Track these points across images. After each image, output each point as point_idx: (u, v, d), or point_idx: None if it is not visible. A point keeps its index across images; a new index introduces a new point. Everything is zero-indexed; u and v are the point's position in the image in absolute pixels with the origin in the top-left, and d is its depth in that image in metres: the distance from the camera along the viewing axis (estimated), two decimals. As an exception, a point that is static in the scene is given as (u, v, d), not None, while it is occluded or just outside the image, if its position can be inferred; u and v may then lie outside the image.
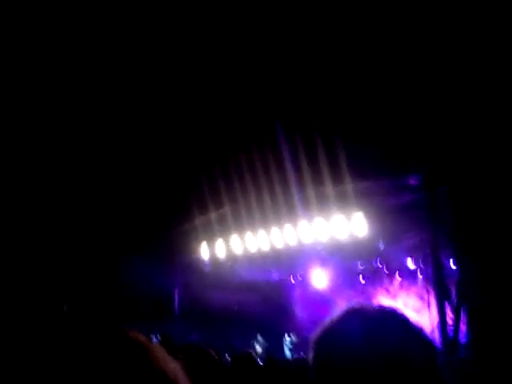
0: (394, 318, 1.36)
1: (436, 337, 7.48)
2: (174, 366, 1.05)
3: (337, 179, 9.14)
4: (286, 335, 10.68)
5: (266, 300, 10.79)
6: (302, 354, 9.08)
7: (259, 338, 10.65)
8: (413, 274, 9.76)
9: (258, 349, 10.41)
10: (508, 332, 5.65)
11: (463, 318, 7.35)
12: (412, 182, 8.85)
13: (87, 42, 7.80)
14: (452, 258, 8.41)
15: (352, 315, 1.36)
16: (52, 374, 0.94)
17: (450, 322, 7.57)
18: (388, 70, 7.78)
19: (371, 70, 7.86)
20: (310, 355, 1.32)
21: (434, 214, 8.24)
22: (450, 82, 7.30)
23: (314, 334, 1.34)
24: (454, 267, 8.35)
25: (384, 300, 9.43)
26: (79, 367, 0.95)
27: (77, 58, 8.00)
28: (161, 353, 1.05)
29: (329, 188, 9.45)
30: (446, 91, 7.43)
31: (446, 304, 7.63)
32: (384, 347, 1.26)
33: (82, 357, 0.97)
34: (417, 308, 9.12)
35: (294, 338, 10.55)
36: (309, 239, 10.05)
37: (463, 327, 7.38)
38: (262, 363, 6.89)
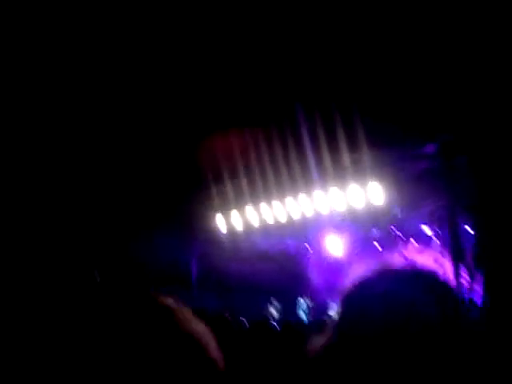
0: (424, 276, 1.35)
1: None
2: (200, 328, 1.07)
3: (353, 149, 9.12)
4: (301, 300, 10.78)
5: (282, 268, 10.88)
6: (317, 317, 9.17)
7: (275, 303, 10.77)
8: (429, 239, 9.78)
9: (275, 314, 10.53)
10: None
11: (479, 280, 7.40)
12: (428, 150, 8.82)
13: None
14: (469, 223, 8.43)
15: (380, 274, 1.34)
16: (84, 336, 0.97)
17: (464, 284, 7.61)
18: (404, 38, 7.72)
19: (387, 39, 7.80)
20: (336, 314, 1.30)
21: (451, 182, 8.22)
22: (469, 48, 7.22)
23: (343, 293, 1.33)
24: (471, 232, 8.37)
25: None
26: (109, 330, 0.98)
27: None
28: (187, 315, 1.08)
29: (345, 157, 9.43)
30: (464, 58, 7.36)
31: (462, 268, 7.66)
32: (412, 305, 1.25)
33: (111, 319, 1.00)
34: (433, 272, 9.12)
35: (309, 302, 10.65)
36: (325, 208, 10.09)
37: (478, 289, 7.43)
38: (278, 327, 6.97)
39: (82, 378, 0.94)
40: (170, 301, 1.07)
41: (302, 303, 10.72)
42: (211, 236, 11.69)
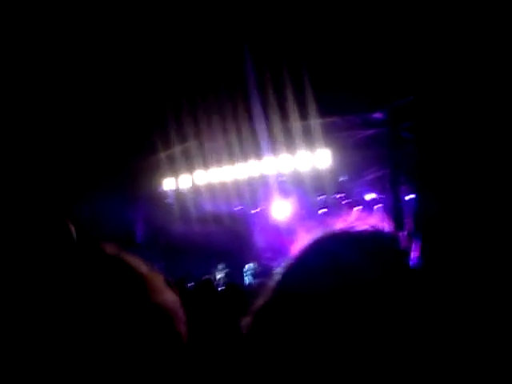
0: (367, 238, 1.34)
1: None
2: (170, 298, 1.07)
3: (302, 115, 9.18)
4: (247, 264, 10.90)
5: (229, 231, 10.95)
6: (263, 280, 9.28)
7: (220, 266, 10.85)
8: (372, 206, 10.02)
9: (220, 276, 10.62)
10: (457, 259, 5.90)
11: (416, 246, 7.61)
12: (377, 117, 8.94)
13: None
14: (410, 191, 8.63)
15: (323, 237, 1.33)
16: (57, 301, 0.97)
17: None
18: (354, 6, 7.73)
19: (336, 6, 7.80)
20: (278, 275, 1.29)
21: (397, 149, 8.39)
22: (415, 17, 7.26)
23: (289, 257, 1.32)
24: (411, 199, 8.59)
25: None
26: (77, 292, 0.98)
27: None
28: (159, 284, 1.07)
29: (294, 123, 9.49)
30: (410, 26, 7.41)
31: (401, 234, 7.87)
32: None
33: (85, 283, 1.00)
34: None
35: (254, 265, 10.78)
36: (272, 172, 10.20)
37: (415, 254, 7.66)
38: (222, 289, 7.05)
39: (48, 342, 0.94)
40: (144, 267, 1.06)
41: (249, 266, 10.84)
42: (159, 198, 11.67)
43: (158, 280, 1.06)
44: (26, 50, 8.38)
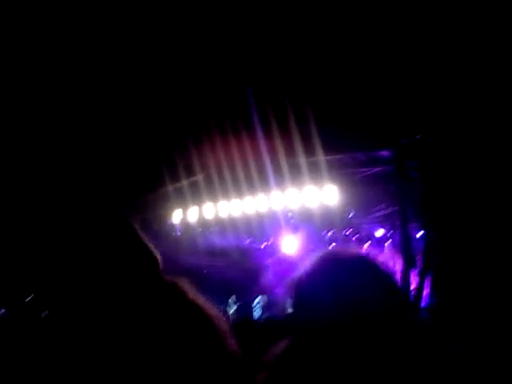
0: (367, 264, 1.40)
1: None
2: (233, 342, 1.25)
3: (309, 151, 9.23)
4: (258, 298, 10.90)
5: (238, 264, 10.97)
6: (273, 315, 9.30)
7: (231, 300, 10.85)
8: (381, 243, 10.03)
9: (230, 310, 10.62)
10: (467, 298, 5.96)
11: (426, 284, 7.64)
12: (384, 154, 9.03)
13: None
14: (419, 228, 8.67)
15: (325, 262, 1.40)
16: None
17: (412, 287, 7.86)
18: (360, 42, 7.81)
19: (343, 42, 7.88)
20: (288, 303, 1.37)
21: (405, 187, 8.44)
22: (421, 54, 7.37)
23: (292, 285, 1.38)
24: (420, 237, 8.62)
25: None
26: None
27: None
28: (225, 326, 1.25)
29: (302, 159, 9.56)
30: (419, 65, 7.53)
31: (411, 271, 7.90)
32: (356, 293, 1.28)
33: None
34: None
35: (264, 300, 10.78)
36: (280, 207, 10.26)
37: (425, 292, 7.68)
38: (233, 324, 7.06)
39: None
40: (213, 310, 1.19)
41: (259, 301, 10.85)
42: (167, 231, 11.69)
43: (224, 324, 1.18)
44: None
